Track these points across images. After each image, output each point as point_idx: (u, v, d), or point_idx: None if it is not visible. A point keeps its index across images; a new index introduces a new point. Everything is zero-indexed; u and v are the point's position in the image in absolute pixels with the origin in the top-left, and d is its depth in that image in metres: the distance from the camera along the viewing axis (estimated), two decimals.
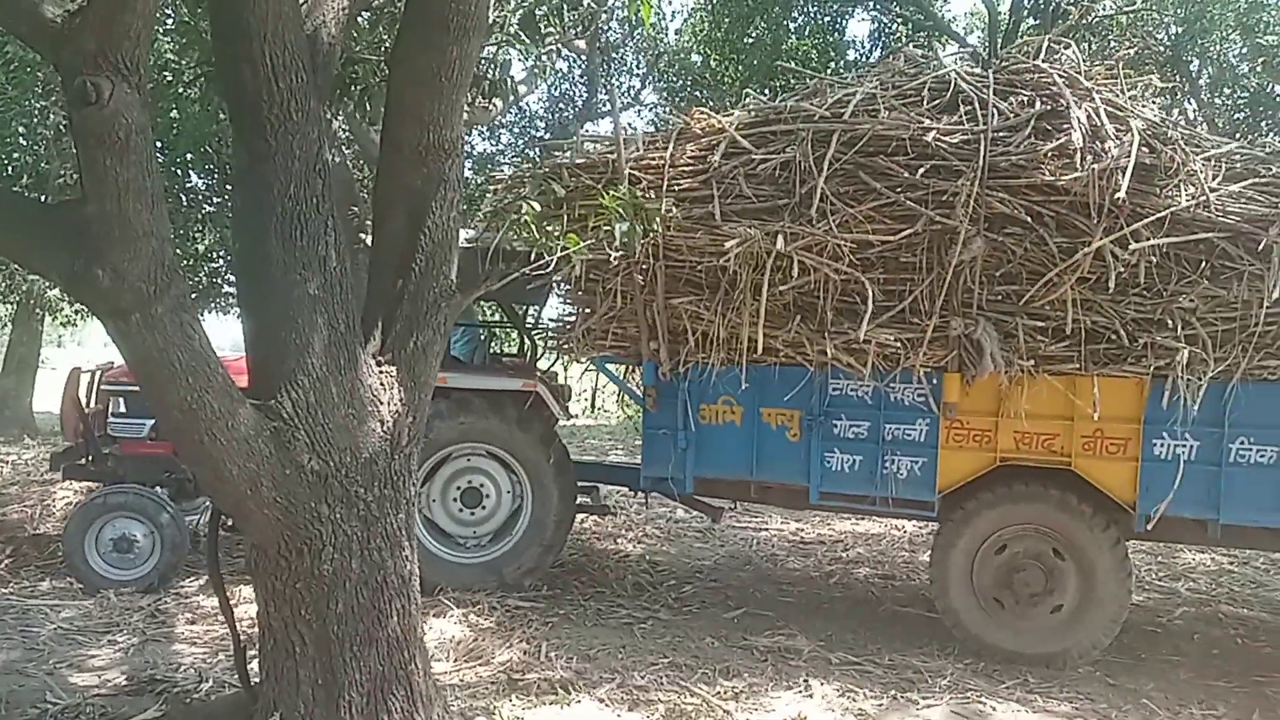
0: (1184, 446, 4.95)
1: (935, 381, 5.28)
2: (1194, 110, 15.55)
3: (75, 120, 2.93)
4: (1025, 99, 5.17)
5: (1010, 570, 5.30)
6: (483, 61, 4.81)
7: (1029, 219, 4.90)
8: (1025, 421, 5.10)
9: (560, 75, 15.21)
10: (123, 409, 6.60)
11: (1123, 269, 4.77)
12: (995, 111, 5.05)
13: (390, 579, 3.53)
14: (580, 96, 16.20)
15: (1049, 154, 4.81)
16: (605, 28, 13.30)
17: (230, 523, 3.83)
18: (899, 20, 15.10)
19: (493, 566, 6.14)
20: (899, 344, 5.14)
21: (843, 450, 5.52)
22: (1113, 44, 14.16)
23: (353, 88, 4.61)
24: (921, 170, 4.98)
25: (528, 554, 6.13)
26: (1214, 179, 4.92)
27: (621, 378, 6.69)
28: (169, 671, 4.59)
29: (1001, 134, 4.98)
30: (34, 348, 15.97)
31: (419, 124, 3.70)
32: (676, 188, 5.41)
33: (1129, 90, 5.35)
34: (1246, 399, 4.84)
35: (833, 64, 14.14)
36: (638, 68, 16.95)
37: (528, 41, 4.81)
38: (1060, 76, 5.14)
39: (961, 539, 5.37)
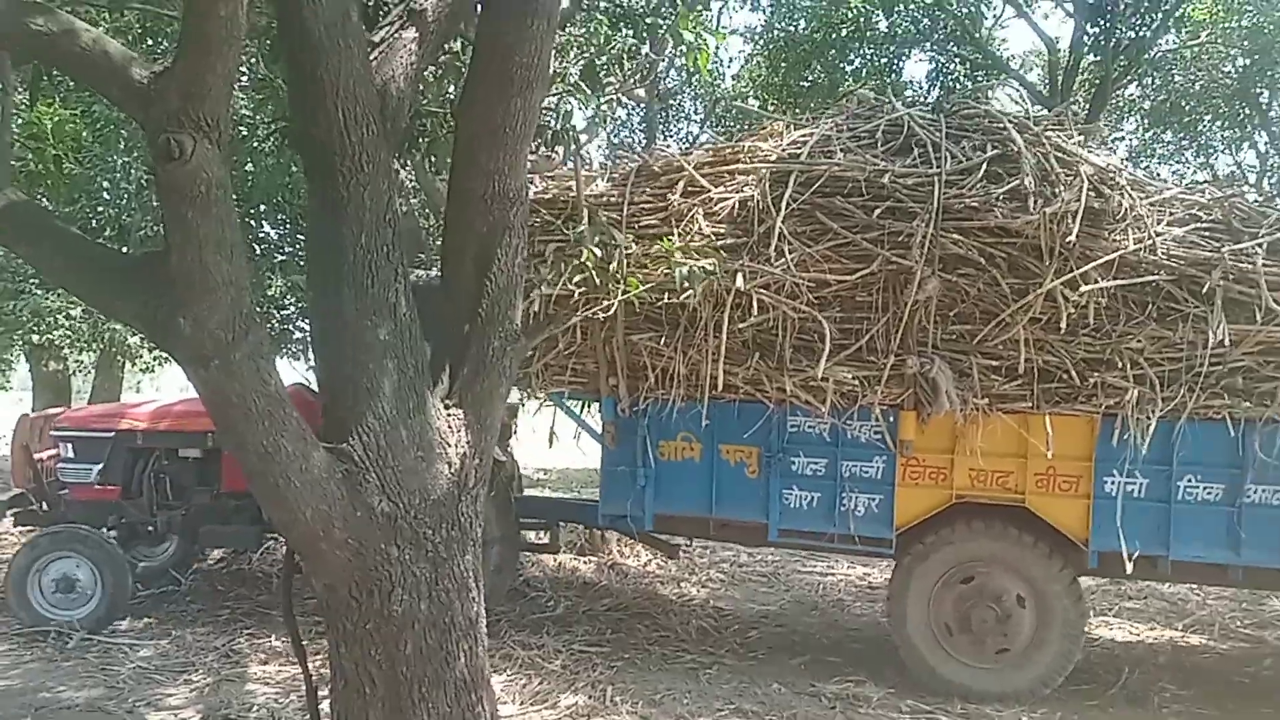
0: (1134, 484, 5.04)
1: (892, 419, 5.33)
2: (1265, 142, 15.21)
3: (160, 175, 3.05)
4: (977, 143, 5.25)
5: (966, 606, 5.32)
6: (545, 111, 4.92)
7: (982, 260, 4.99)
8: (980, 459, 5.16)
9: (620, 123, 15.47)
10: (71, 454, 6.67)
11: (1073, 310, 4.84)
12: (949, 155, 5.14)
13: (458, 620, 3.56)
14: (640, 143, 16.45)
15: (1001, 197, 4.89)
16: (663, 76, 13.52)
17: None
18: (956, 60, 15.07)
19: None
20: (856, 382, 5.20)
21: (801, 487, 5.56)
22: (1177, 79, 13.98)
23: (420, 139, 4.74)
24: (877, 211, 5.06)
25: None
26: (1160, 223, 5.00)
27: (580, 413, 6.70)
28: (242, 711, 4.68)
29: (955, 177, 5.06)
30: (115, 393, 16.52)
31: (484, 174, 3.79)
32: (636, 225, 5.44)
33: (1074, 137, 5.38)
34: (1193, 437, 4.93)
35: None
36: (695, 113, 17.14)
37: (588, 91, 4.94)
38: (1011, 121, 5.22)
39: (918, 576, 5.41)
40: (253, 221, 12.27)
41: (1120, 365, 4.93)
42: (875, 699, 5.09)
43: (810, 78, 14.14)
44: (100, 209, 11.09)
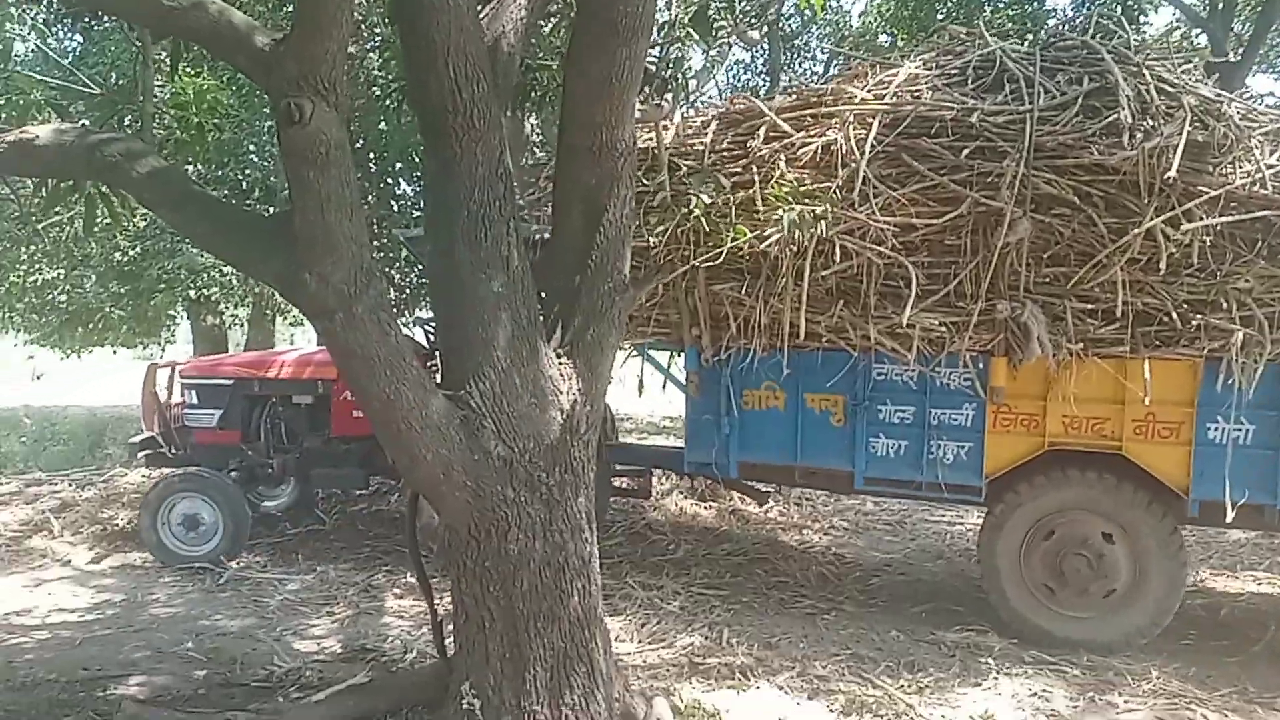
0: (1240, 430, 4.83)
1: (981, 366, 5.21)
2: None
3: (283, 138, 3.22)
4: (1073, 76, 4.99)
5: (1059, 556, 5.22)
6: (655, 60, 4.91)
7: (1077, 199, 4.77)
8: (1074, 405, 5.00)
9: (743, 66, 15.22)
10: (195, 401, 7.11)
11: (1175, 249, 4.62)
12: (1042, 90, 4.90)
13: (571, 560, 3.70)
14: (764, 86, 16.15)
15: (1097, 132, 4.66)
16: (782, 15, 13.15)
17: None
18: None
19: None
20: (944, 328, 5.08)
21: (887, 435, 5.50)
22: None
23: (533, 93, 4.82)
24: (966, 151, 4.86)
25: None
26: (1272, 155, 4.67)
27: (666, 364, 6.66)
28: (378, 642, 5.01)
29: (1048, 113, 4.83)
30: (268, 345, 17.55)
31: (592, 125, 3.84)
32: (717, 173, 5.31)
33: (1181, 66, 5.04)
34: None
35: (1031, 36, 13.44)
36: (821, 53, 16.68)
37: (698, 38, 4.89)
38: (1109, 53, 4.94)
39: (1009, 524, 5.32)
40: (388, 180, 12.69)
41: (1226, 306, 4.70)
42: (997, 648, 5.01)
43: (943, 8, 13.52)
44: (247, 171, 11.68)
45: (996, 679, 4.63)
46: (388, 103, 9.73)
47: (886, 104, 5.08)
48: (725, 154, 5.39)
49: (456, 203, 3.66)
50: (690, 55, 5.34)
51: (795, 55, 16.03)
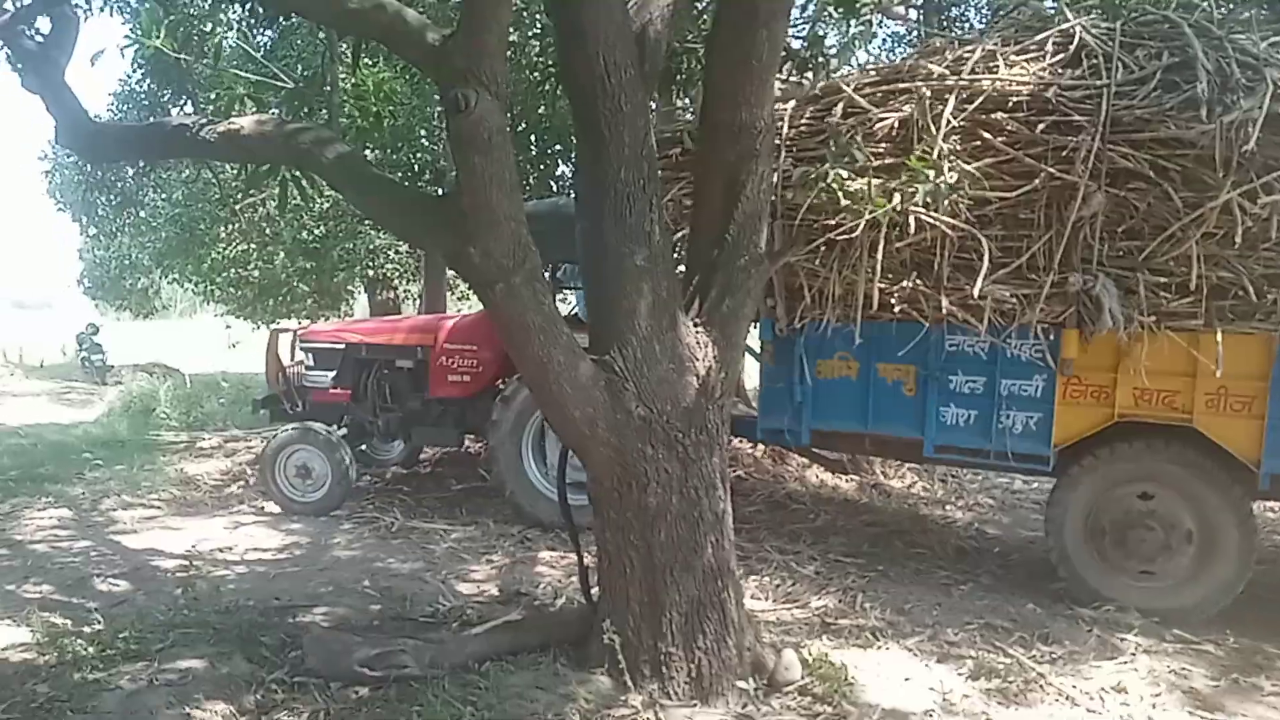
0: None
1: (1053, 338, 5.26)
2: None
3: (450, 126, 3.58)
4: (1153, 51, 5.00)
5: (1127, 526, 5.27)
6: (797, 38, 5.07)
7: (1152, 173, 4.81)
8: (1145, 378, 5.04)
9: (896, 39, 14.90)
10: (311, 363, 7.75)
11: (1252, 223, 4.61)
12: (1120, 64, 4.95)
13: (705, 515, 3.96)
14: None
15: (1175, 106, 4.70)
16: None
17: None
18: None
19: None
20: (1015, 300, 5.16)
21: (958, 405, 5.59)
22: None
23: (679, 75, 5.06)
24: (1041, 126, 4.95)
25: None
26: None
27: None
28: (531, 587, 5.41)
29: (1126, 88, 4.88)
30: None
31: (733, 104, 4.05)
32: (795, 149, 5.47)
33: (1266, 38, 4.87)
34: None
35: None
36: (979, 23, 16.08)
37: (840, 15, 5.00)
38: (1190, 27, 4.93)
39: (1078, 495, 5.40)
40: (548, 161, 13.18)
41: None
42: (1137, 626, 4.95)
43: None
44: (419, 154, 12.39)
45: (1134, 655, 4.59)
46: (546, 88, 10.16)
47: (964, 79, 5.16)
48: (803, 129, 5.54)
49: (604, 182, 3.92)
50: (836, 32, 5.42)
51: (950, 27, 15.56)
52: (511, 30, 10.00)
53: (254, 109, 4.83)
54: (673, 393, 3.91)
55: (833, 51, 5.05)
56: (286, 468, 7.31)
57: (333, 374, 7.69)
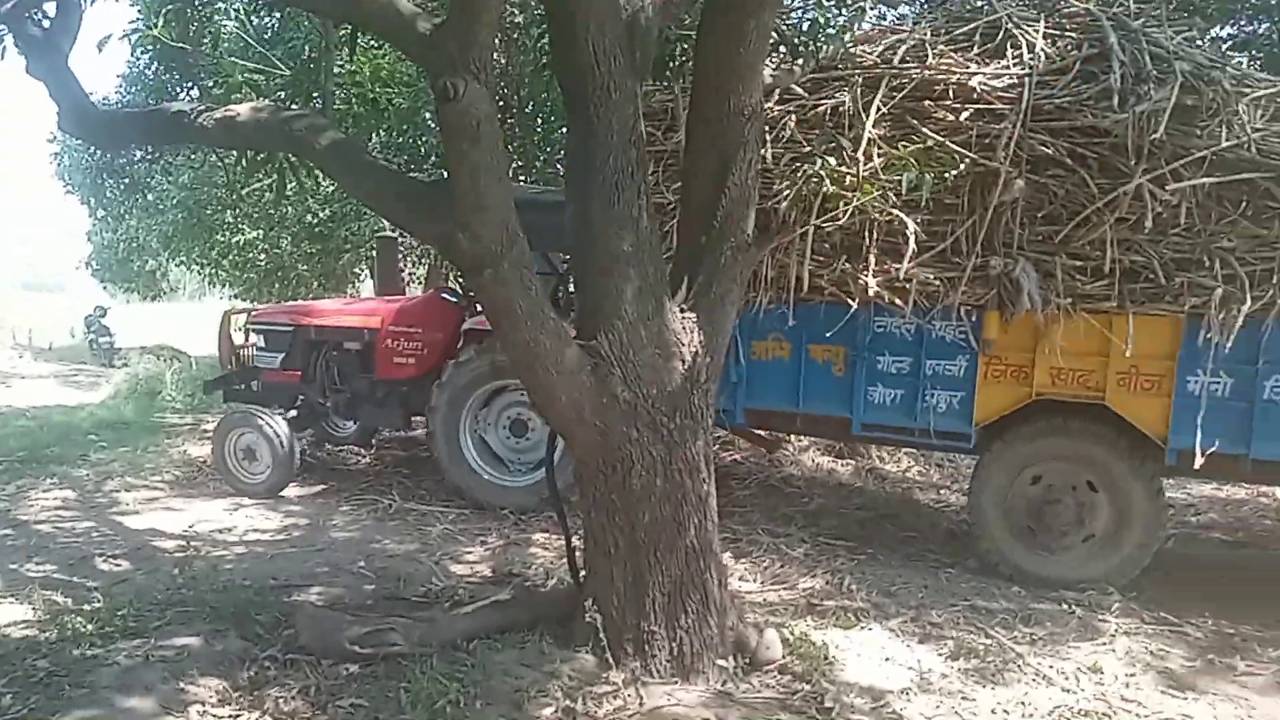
0: (1218, 383, 5.03)
1: (975, 319, 5.45)
2: None
3: (440, 113, 3.64)
4: (1073, 42, 5.24)
5: (1045, 502, 5.51)
6: (786, 26, 5.10)
7: (1070, 160, 5.02)
8: (1061, 358, 5.25)
9: (899, 19, 14.85)
10: (262, 344, 7.83)
11: (1162, 209, 4.86)
12: (1042, 55, 5.18)
13: (689, 496, 4.03)
14: None
15: (1092, 96, 4.94)
16: None
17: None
18: None
19: (534, 490, 6.70)
20: (939, 282, 5.34)
21: (884, 384, 5.79)
22: None
23: (671, 63, 5.10)
24: (965, 114, 5.16)
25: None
26: (1260, 120, 4.91)
27: None
28: (523, 568, 5.50)
29: (1047, 77, 5.11)
30: None
31: (721, 93, 4.10)
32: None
33: (1179, 33, 5.33)
34: None
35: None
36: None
37: (829, 3, 5.05)
38: (1109, 20, 5.16)
39: (997, 471, 5.62)
40: (554, 145, 13.17)
41: (1209, 264, 4.91)
42: (1115, 607, 5.03)
43: None
44: (424, 138, 12.43)
45: (1113, 636, 4.67)
46: (548, 73, 10.17)
47: (893, 68, 5.36)
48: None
49: (593, 167, 3.97)
50: (826, 19, 5.46)
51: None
52: (516, 13, 10.04)
53: (253, 96, 4.90)
54: (658, 377, 3.97)
55: (824, 39, 5.07)
56: (235, 450, 7.42)
57: (282, 355, 7.77)
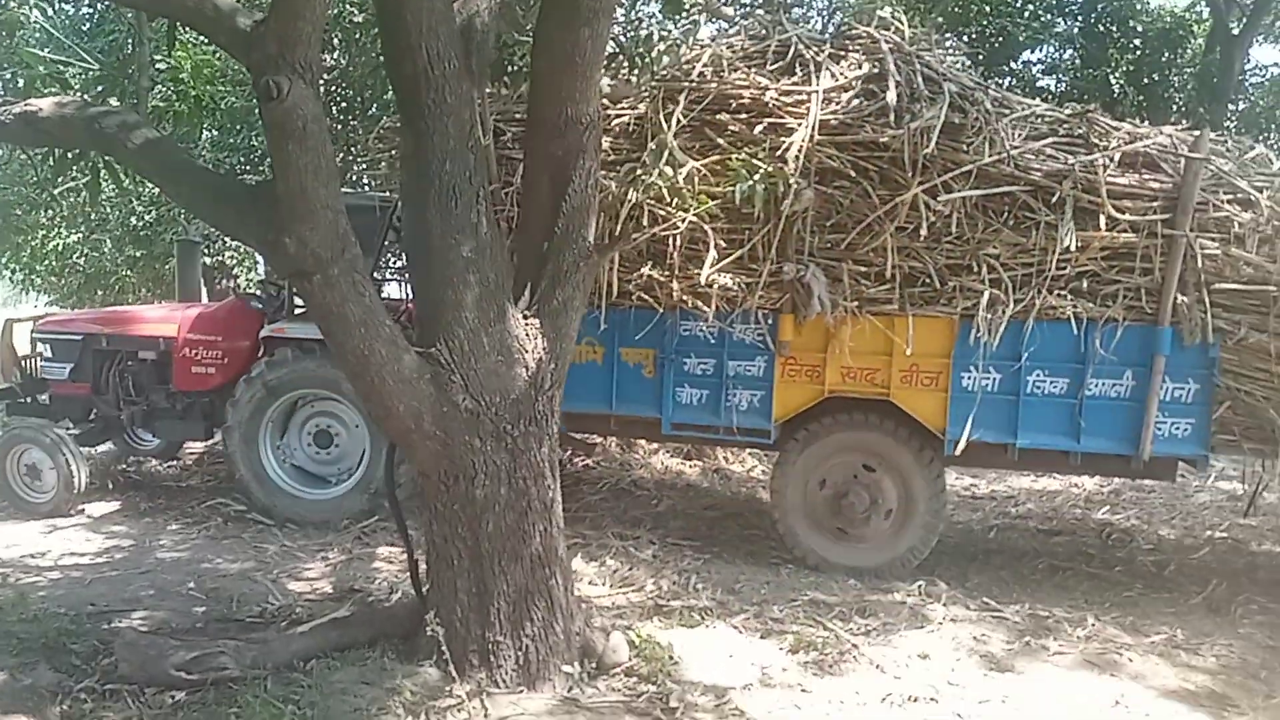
0: (987, 379, 5.49)
1: (771, 322, 5.77)
2: None
3: (263, 113, 3.49)
4: (855, 62, 5.63)
5: (840, 492, 5.89)
6: (624, 36, 5.15)
7: (854, 173, 5.40)
8: (850, 357, 5.63)
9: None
10: (50, 354, 7.40)
11: (935, 219, 5.27)
12: (828, 73, 5.53)
13: (534, 504, 4.00)
14: None
15: (872, 113, 5.32)
16: None
17: None
18: None
19: (342, 501, 6.71)
20: (738, 287, 5.61)
21: (691, 385, 6.04)
22: None
23: (509, 68, 5.07)
24: (759, 127, 5.43)
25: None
26: (1018, 137, 5.35)
27: None
28: (366, 583, 5.34)
29: (832, 94, 5.46)
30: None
31: (558, 101, 4.08)
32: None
33: (947, 57, 5.90)
34: (1041, 336, 5.35)
35: (1033, 5, 13.50)
36: (820, 18, 16.58)
37: (666, 15, 5.13)
38: (887, 44, 5.57)
39: (796, 464, 5.96)
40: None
41: (977, 270, 5.35)
42: (944, 597, 5.30)
43: None
44: (258, 137, 11.90)
45: (941, 624, 4.93)
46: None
47: (692, 81, 5.61)
48: None
49: (429, 173, 3.90)
50: (662, 31, 5.56)
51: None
52: (357, 13, 9.75)
53: (58, 90, 4.57)
54: (501, 384, 3.94)
55: (659, 50, 5.14)
56: (18, 467, 6.93)
57: (71, 366, 7.31)
